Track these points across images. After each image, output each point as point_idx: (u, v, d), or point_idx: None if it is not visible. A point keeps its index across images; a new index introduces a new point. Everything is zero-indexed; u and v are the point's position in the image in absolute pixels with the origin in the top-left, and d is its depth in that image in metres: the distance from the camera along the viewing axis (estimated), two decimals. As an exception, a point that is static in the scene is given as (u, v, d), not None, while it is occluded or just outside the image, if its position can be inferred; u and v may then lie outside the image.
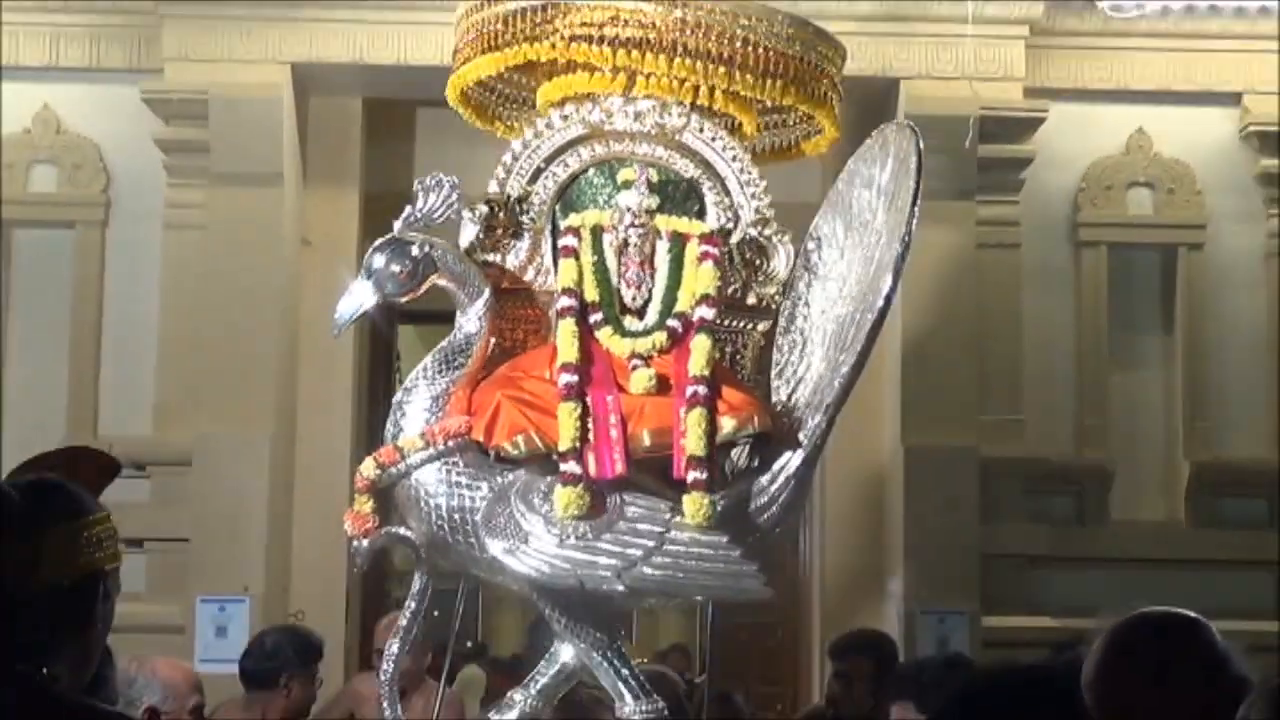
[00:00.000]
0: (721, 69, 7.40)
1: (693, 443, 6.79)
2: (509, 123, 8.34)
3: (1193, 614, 4.03)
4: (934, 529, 12.81)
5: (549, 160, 7.63)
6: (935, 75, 12.81)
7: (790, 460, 6.95)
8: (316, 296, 12.87)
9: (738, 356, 7.48)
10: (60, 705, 3.38)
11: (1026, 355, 13.36)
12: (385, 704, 7.25)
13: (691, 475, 6.75)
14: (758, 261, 7.48)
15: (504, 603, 18.45)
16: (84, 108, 13.50)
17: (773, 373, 7.43)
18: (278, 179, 13.11)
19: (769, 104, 7.91)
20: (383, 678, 7.28)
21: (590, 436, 6.91)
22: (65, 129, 13.50)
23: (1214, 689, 3.91)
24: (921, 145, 7.08)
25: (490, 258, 7.55)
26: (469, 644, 10.28)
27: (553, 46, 7.50)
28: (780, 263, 7.54)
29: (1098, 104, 13.61)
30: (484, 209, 7.56)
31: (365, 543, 7.12)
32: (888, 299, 6.77)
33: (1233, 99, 13.52)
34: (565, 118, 7.66)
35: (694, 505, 6.68)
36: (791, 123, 8.22)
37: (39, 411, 12.62)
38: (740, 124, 7.93)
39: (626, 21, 7.40)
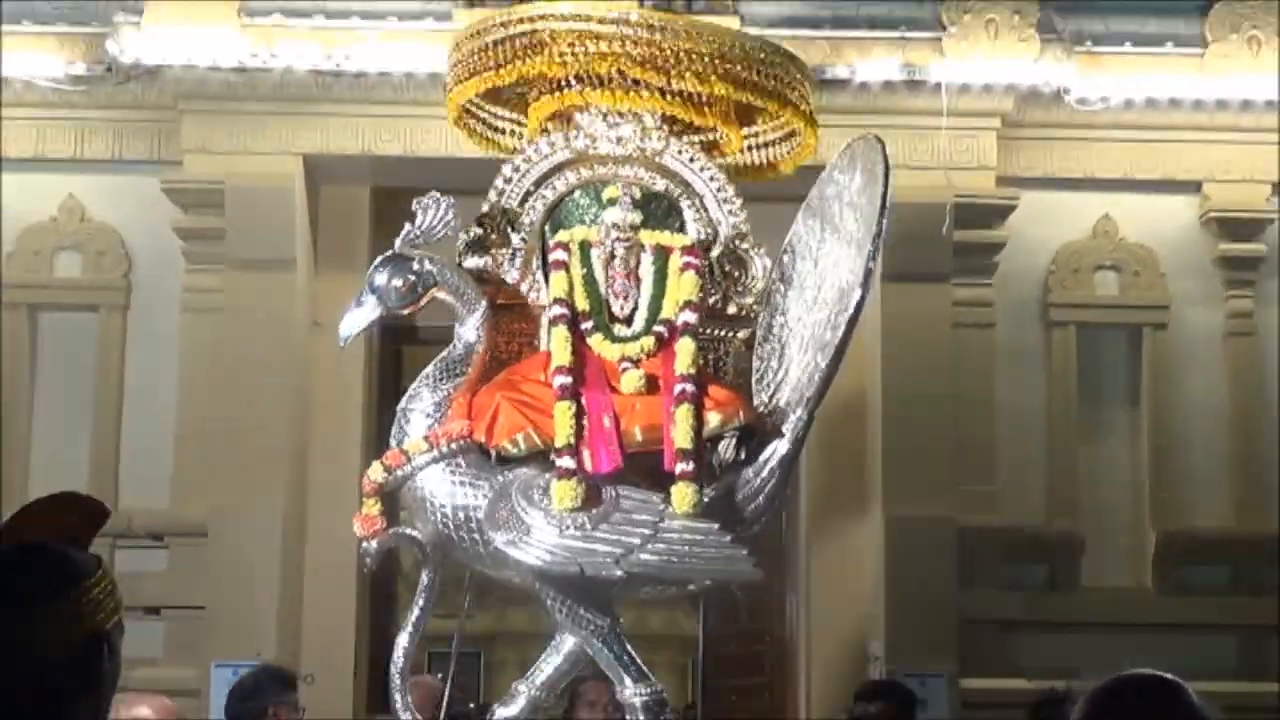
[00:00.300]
0: (699, 71, 7.51)
1: (681, 436, 6.89)
2: (505, 145, 8.45)
3: (1172, 676, 3.96)
4: (914, 594, 12.82)
5: (538, 183, 7.73)
6: (912, 165, 12.72)
7: (774, 452, 7.04)
8: (327, 376, 13.19)
9: (720, 363, 7.59)
10: None
11: (1000, 429, 13.40)
12: (395, 695, 7.26)
13: (680, 467, 6.85)
14: (736, 273, 7.62)
15: (507, 665, 18.46)
16: (107, 197, 13.56)
17: (753, 379, 7.52)
18: (290, 264, 13.19)
19: (750, 111, 7.98)
20: (393, 669, 7.29)
21: (585, 434, 7.01)
22: (89, 217, 13.57)
23: None
24: (888, 155, 7.17)
25: (484, 268, 7.60)
26: (471, 705, 10.29)
27: (541, 62, 7.61)
28: (757, 274, 7.67)
29: (1066, 192, 13.65)
30: (477, 229, 7.65)
31: (374, 543, 7.16)
32: (861, 299, 6.86)
33: (1193, 187, 13.62)
34: (552, 144, 7.77)
35: (681, 494, 6.79)
36: (773, 140, 8.30)
37: (63, 485, 12.39)
38: (719, 140, 8.07)
39: (610, 38, 7.52)
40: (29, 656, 3.17)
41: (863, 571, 13.37)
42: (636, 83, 7.66)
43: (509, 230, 7.61)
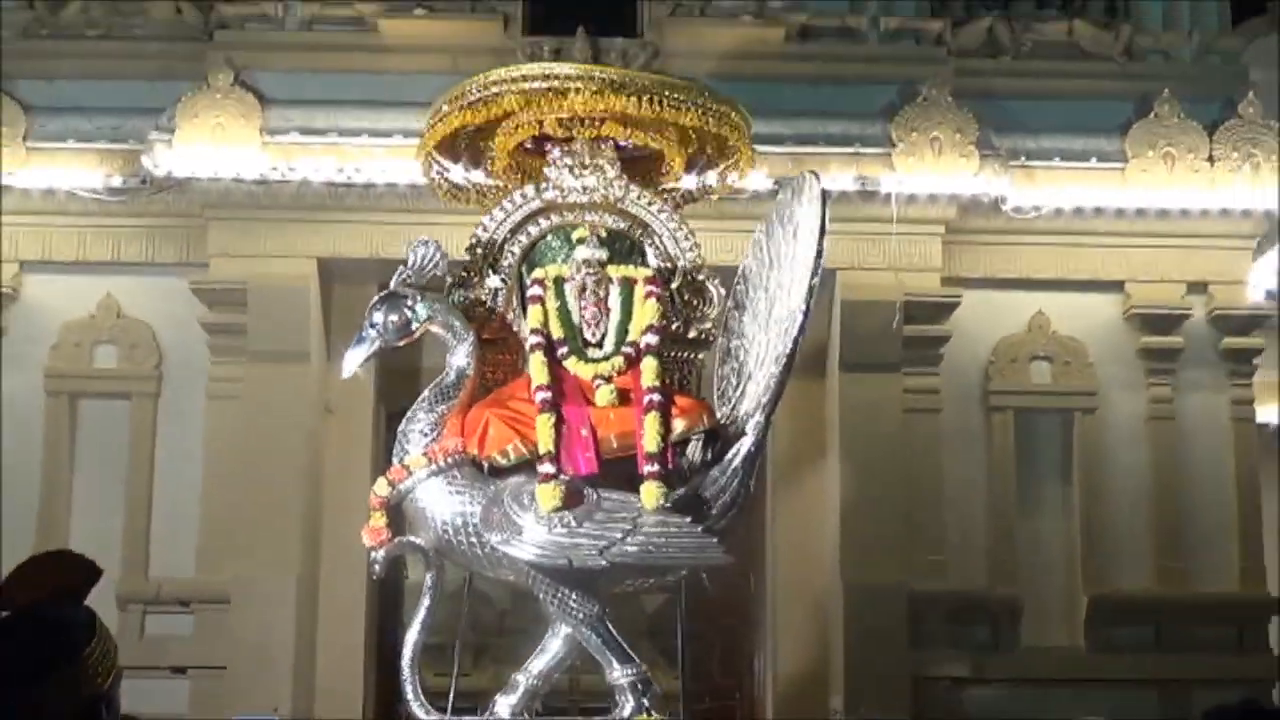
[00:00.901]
0: (648, 98, 7.87)
1: (649, 441, 7.22)
2: (476, 201, 8.74)
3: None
4: (870, 654, 12.79)
5: (514, 230, 8.07)
6: (866, 267, 12.97)
7: (738, 452, 7.36)
8: (338, 456, 13.26)
9: (684, 381, 7.93)
10: None
11: (947, 503, 13.40)
12: (405, 685, 7.43)
13: (647, 468, 7.18)
14: (695, 301, 7.98)
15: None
16: (141, 296, 13.59)
17: (715, 394, 7.81)
18: (305, 356, 13.20)
19: (692, 135, 8.34)
20: (404, 662, 7.47)
21: (566, 442, 7.29)
22: (124, 314, 13.60)
23: None
24: (824, 186, 7.49)
25: (469, 303, 7.94)
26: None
27: (499, 103, 7.94)
28: (713, 300, 8.00)
29: (1003, 290, 13.69)
30: (461, 272, 8.00)
31: (382, 552, 7.43)
32: (806, 311, 7.18)
33: (1117, 286, 13.71)
34: (525, 196, 8.14)
35: (648, 492, 7.14)
36: (716, 162, 8.60)
37: (97, 556, 12.39)
38: (670, 167, 8.44)
39: (568, 76, 7.95)
40: None
41: (824, 632, 13.31)
42: (600, 122, 8.03)
43: (489, 271, 7.96)
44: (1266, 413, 14.43)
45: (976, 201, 13.31)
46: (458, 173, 8.83)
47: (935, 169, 13.18)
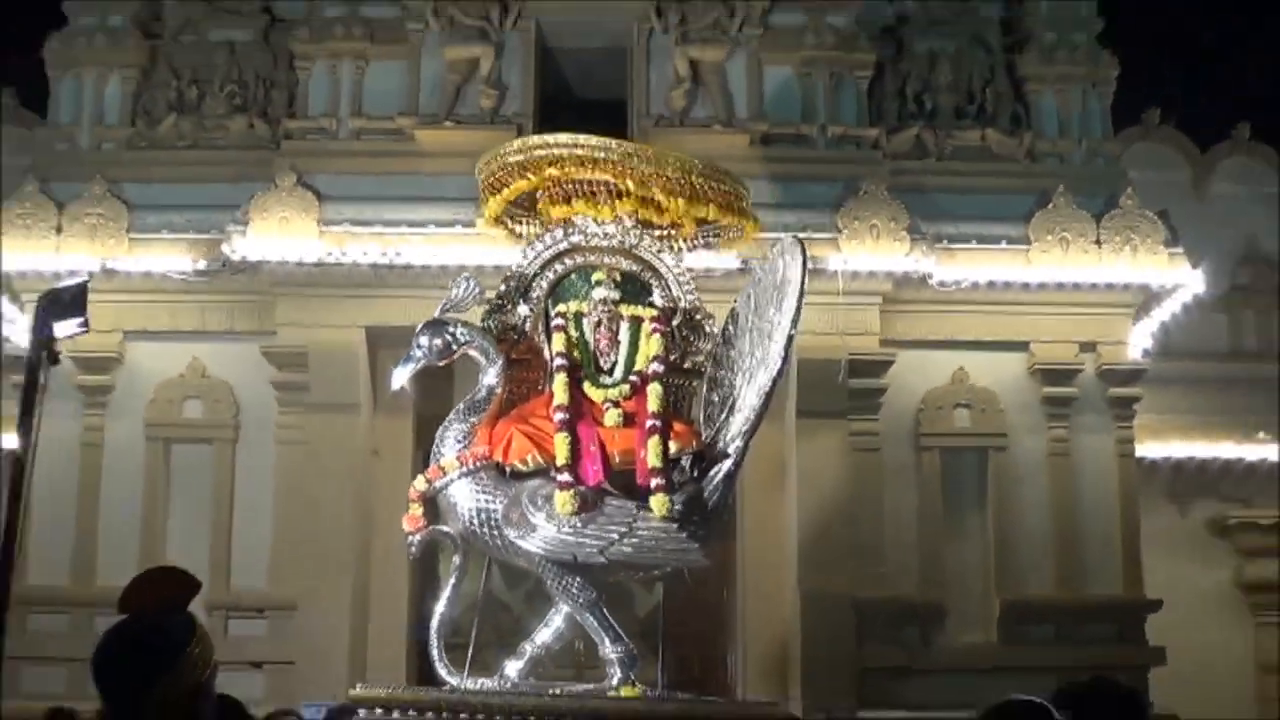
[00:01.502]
0: (667, 195, 7.96)
1: (653, 458, 7.33)
2: (526, 238, 8.66)
3: (1041, 700, 4.22)
4: (822, 650, 13.03)
5: (543, 267, 8.08)
6: (817, 331, 12.88)
7: (720, 471, 7.42)
8: (383, 491, 13.24)
9: (681, 404, 7.92)
10: None
11: (885, 526, 13.57)
12: (433, 651, 7.46)
13: (654, 481, 7.28)
14: (691, 337, 8.04)
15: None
16: (221, 359, 13.88)
17: (702, 418, 7.80)
18: (356, 408, 13.50)
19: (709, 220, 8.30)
20: (431, 631, 7.51)
21: (579, 455, 7.38)
22: (208, 374, 13.93)
23: None
24: (807, 251, 7.56)
25: (501, 329, 7.98)
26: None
27: (544, 178, 8.09)
28: (706, 339, 8.02)
29: (930, 350, 13.92)
30: (496, 300, 8.05)
31: (418, 537, 7.54)
32: (785, 356, 7.27)
33: (1023, 346, 13.95)
34: (554, 239, 8.13)
35: (658, 502, 7.23)
36: (723, 227, 8.53)
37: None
38: (680, 230, 8.36)
39: (598, 163, 7.97)
40: (152, 715, 3.36)
41: (785, 633, 13.45)
42: (620, 195, 8.02)
43: (520, 301, 8.02)
44: (1143, 449, 14.57)
45: (908, 277, 13.56)
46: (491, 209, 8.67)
47: (874, 251, 13.42)
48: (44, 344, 5.78)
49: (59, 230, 13.77)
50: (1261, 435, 15.77)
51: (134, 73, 14.73)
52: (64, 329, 5.78)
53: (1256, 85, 20.27)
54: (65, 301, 5.83)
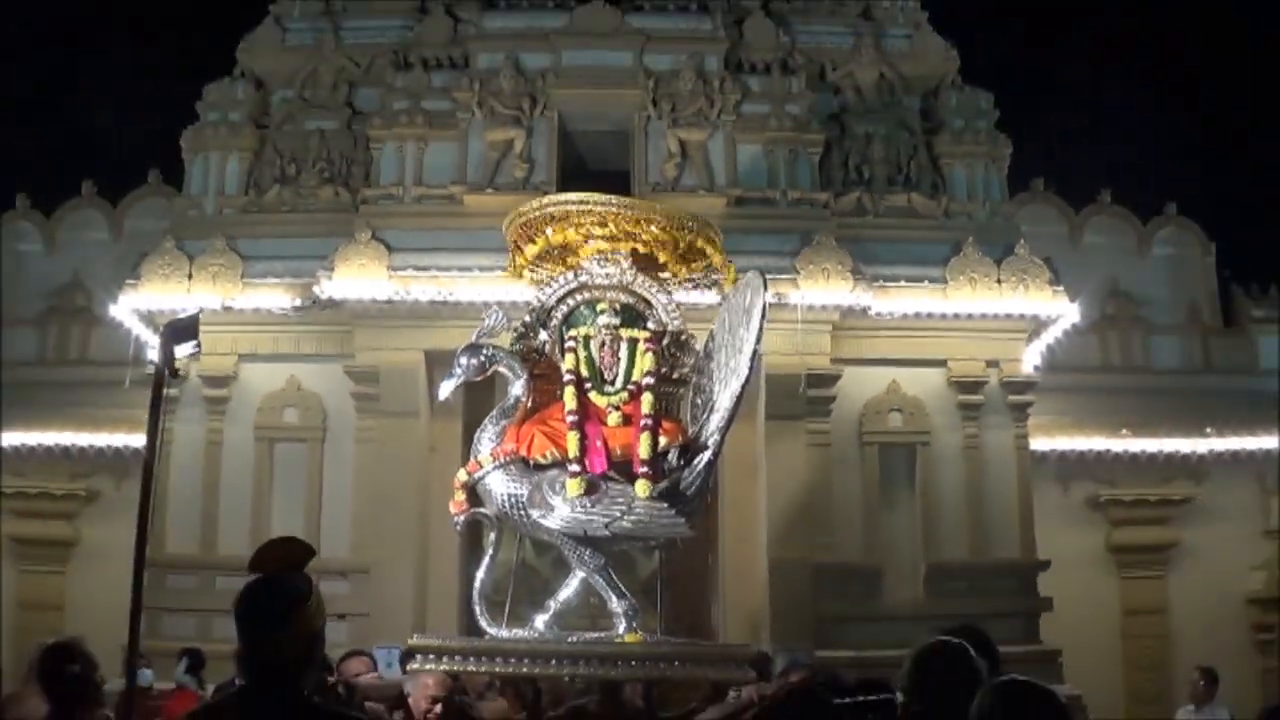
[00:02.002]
0: (658, 237, 7.67)
1: (644, 451, 7.12)
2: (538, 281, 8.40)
3: (959, 641, 4.23)
4: (787, 603, 12.86)
5: (557, 301, 7.82)
6: (781, 352, 13.03)
7: (702, 460, 7.18)
8: (439, 481, 12.48)
9: (670, 407, 7.70)
10: (321, 711, 3.55)
11: (835, 505, 13.40)
12: (476, 608, 7.22)
13: (642, 470, 7.07)
14: (678, 353, 7.78)
15: None
16: (313, 376, 13.76)
17: (688, 417, 7.62)
18: (416, 414, 13.33)
19: (688, 253, 7.96)
20: (475, 593, 7.28)
21: (586, 450, 7.18)
22: (303, 388, 13.79)
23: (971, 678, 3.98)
24: (766, 284, 7.33)
25: (525, 350, 7.70)
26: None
27: (563, 231, 7.78)
28: (690, 354, 7.80)
29: (870, 367, 13.71)
30: (521, 328, 7.82)
31: (461, 518, 7.35)
32: (750, 368, 7.03)
33: (942, 363, 13.79)
34: (566, 279, 7.87)
35: (642, 486, 7.03)
36: (706, 272, 8.20)
37: None
38: (675, 273, 8.03)
39: (604, 219, 7.67)
40: (279, 655, 3.43)
41: (757, 590, 13.26)
42: (618, 239, 7.75)
43: (540, 329, 7.79)
44: (1036, 443, 14.44)
45: (851, 309, 13.39)
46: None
47: (825, 288, 13.27)
48: (166, 363, 5.57)
49: (190, 277, 13.70)
50: (1124, 431, 15.69)
51: (248, 155, 14.71)
52: (182, 350, 5.56)
53: (1117, 157, 20.48)
54: (182, 329, 5.61)
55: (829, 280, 13.34)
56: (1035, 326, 14.01)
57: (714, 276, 8.38)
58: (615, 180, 13.16)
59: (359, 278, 13.23)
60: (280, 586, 3.51)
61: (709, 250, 8.05)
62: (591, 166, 14.63)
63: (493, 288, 12.50)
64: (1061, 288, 13.94)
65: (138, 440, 14.04)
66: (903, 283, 13.73)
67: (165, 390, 5.60)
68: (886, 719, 2.74)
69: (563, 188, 13.04)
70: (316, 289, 13.27)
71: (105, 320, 14.60)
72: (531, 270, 8.51)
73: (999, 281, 13.79)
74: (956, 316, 13.69)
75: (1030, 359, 14.19)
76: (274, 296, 13.56)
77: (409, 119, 14.19)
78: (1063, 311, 13.93)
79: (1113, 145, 21.08)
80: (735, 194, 13.99)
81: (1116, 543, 15.86)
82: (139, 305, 13.66)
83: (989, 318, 13.74)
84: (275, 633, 3.42)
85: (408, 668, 7.44)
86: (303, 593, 3.53)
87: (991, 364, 13.88)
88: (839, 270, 13.38)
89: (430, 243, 13.49)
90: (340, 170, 14.49)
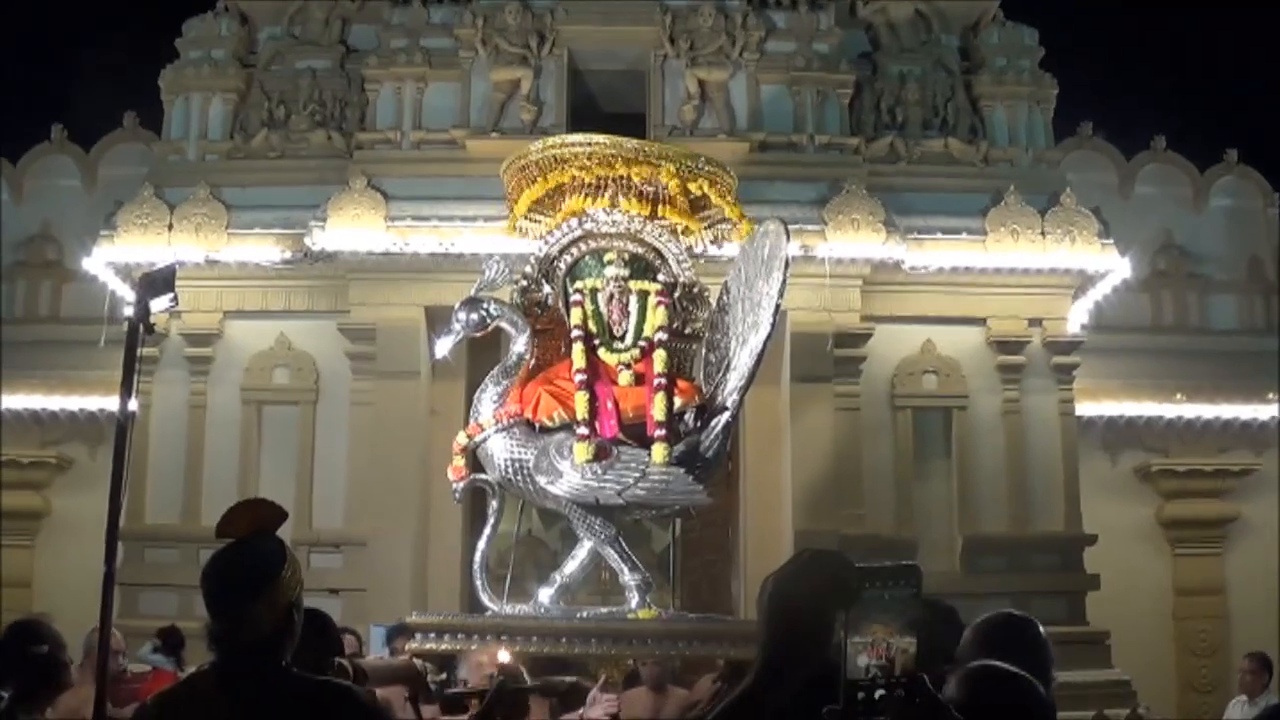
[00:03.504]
0: (670, 182, 7.78)
1: (658, 412, 7.22)
2: (539, 234, 8.52)
3: (1024, 614, 4.16)
4: None
5: (561, 251, 7.96)
6: (808, 309, 13.01)
7: (720, 422, 7.28)
8: (440, 446, 12.43)
9: (683, 365, 7.79)
10: (300, 679, 3.44)
11: (866, 473, 13.36)
12: (477, 582, 7.29)
13: (657, 433, 7.16)
14: (691, 307, 7.88)
15: None
16: (304, 334, 13.70)
17: (702, 376, 7.69)
18: (416, 375, 13.31)
19: (702, 209, 8.08)
20: (475, 566, 7.36)
21: (596, 412, 7.26)
22: (293, 347, 13.72)
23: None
24: (789, 234, 7.42)
25: (528, 304, 7.84)
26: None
27: (567, 174, 7.88)
28: (704, 308, 7.89)
29: (903, 325, 13.65)
30: (523, 281, 7.93)
31: (461, 485, 7.44)
32: (771, 324, 7.10)
33: (981, 321, 13.73)
34: (570, 227, 7.97)
35: (659, 451, 7.13)
36: (719, 224, 8.33)
37: None
38: (687, 226, 8.11)
39: (609, 160, 7.78)
40: (255, 629, 3.34)
41: (780, 563, 13.03)
42: (627, 184, 7.82)
43: (544, 281, 7.86)
44: (1081, 408, 14.37)
45: (884, 263, 13.31)
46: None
47: (855, 240, 13.18)
48: (141, 317, 5.56)
49: (170, 228, 13.59)
50: (1178, 396, 15.58)
51: (233, 96, 14.61)
52: (158, 305, 5.57)
53: (1171, 102, 20.13)
54: (158, 281, 5.62)
55: (859, 231, 13.28)
56: (1082, 282, 13.91)
57: (727, 226, 8.45)
58: (630, 124, 13.09)
59: (354, 228, 13.16)
60: (252, 554, 3.44)
61: (720, 198, 8.07)
62: (604, 109, 14.51)
63: (498, 239, 12.27)
64: (1111, 240, 13.84)
65: (114, 404, 13.89)
66: (939, 234, 13.64)
67: (140, 348, 5.58)
68: (915, 585, 2.71)
69: (573, 131, 13.02)
70: (308, 240, 13.18)
71: (78, 274, 14.56)
72: (532, 221, 8.55)
73: (1043, 233, 13.69)
74: (997, 271, 13.60)
75: (1076, 317, 14.11)
76: (262, 249, 13.45)
77: (407, 58, 14.09)
78: (1112, 266, 13.84)
79: (1168, 87, 20.73)
80: (758, 138, 13.91)
81: (1169, 517, 15.77)
82: (115, 258, 13.55)
83: (1032, 272, 13.63)
84: (249, 605, 3.36)
85: (405, 646, 7.46)
86: (276, 560, 3.45)
87: (1034, 322, 13.78)
88: (870, 221, 13.31)
89: (430, 191, 13.43)
90: (333, 113, 14.40)
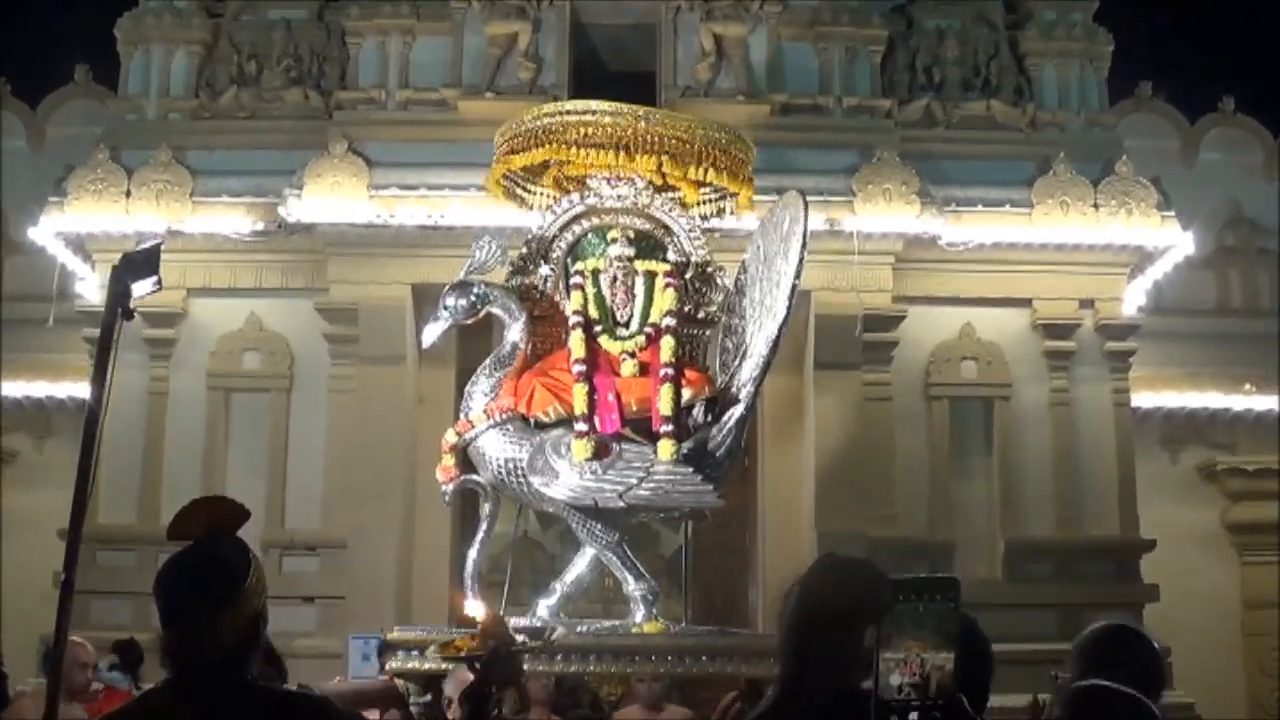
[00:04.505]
0: (673, 159, 7.73)
1: (664, 406, 7.19)
2: (529, 204, 8.59)
3: (1133, 624, 4.22)
4: None
5: (561, 228, 7.94)
6: (834, 289, 13.04)
7: (733, 415, 7.28)
8: (427, 437, 12.46)
9: (694, 353, 7.80)
10: (267, 692, 3.47)
11: (897, 471, 13.38)
12: (467, 592, 7.27)
13: (663, 428, 7.13)
14: (703, 289, 7.87)
15: None
16: (278, 314, 13.72)
17: (717, 363, 7.72)
18: (402, 360, 13.31)
19: (706, 181, 8.04)
20: (466, 573, 7.36)
21: (596, 405, 7.24)
22: (265, 328, 13.74)
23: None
24: (808, 204, 7.39)
25: (524, 288, 7.82)
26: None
27: (558, 150, 7.81)
28: (718, 290, 7.87)
29: (939, 306, 13.67)
30: (519, 261, 7.90)
31: (450, 487, 7.44)
32: (788, 307, 7.10)
33: (1026, 303, 13.74)
34: (571, 201, 7.98)
35: (664, 447, 7.11)
36: (721, 196, 8.34)
37: None
38: (684, 195, 8.14)
39: (609, 131, 7.71)
40: (215, 640, 3.27)
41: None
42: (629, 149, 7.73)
43: (541, 261, 7.85)
44: (1138, 399, 14.35)
45: (918, 238, 13.31)
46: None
47: (886, 213, 13.17)
48: (119, 302, 5.48)
49: (128, 195, 13.56)
50: (1247, 387, 15.52)
51: (198, 49, 14.57)
52: (140, 288, 5.50)
53: (1242, 60, 20.04)
54: (140, 262, 5.54)
55: (891, 203, 13.28)
56: (1139, 259, 13.92)
57: (736, 199, 8.42)
58: (639, 84, 13.20)
59: (333, 197, 13.16)
60: (213, 559, 3.37)
61: (732, 175, 8.02)
62: (611, 67, 14.54)
63: (493, 210, 12.20)
64: (1172, 213, 13.83)
65: (65, 390, 14.31)
66: (980, 207, 13.63)
67: (118, 338, 5.56)
68: (954, 598, 2.71)
69: (576, 92, 13.28)
70: (282, 210, 13.17)
71: (23, 246, 14.57)
72: (524, 190, 8.56)
73: (1096, 205, 13.67)
74: (1044, 247, 13.59)
75: (1133, 298, 14.13)
76: (231, 219, 13.44)
77: (393, 8, 14.07)
78: (1173, 241, 13.84)
79: (1237, 42, 20.56)
80: (780, 100, 13.91)
81: (1235, 520, 15.74)
82: (65, 228, 13.51)
83: (1083, 248, 13.62)
84: (210, 616, 3.30)
85: (388, 664, 7.40)
86: (240, 565, 3.39)
87: (1085, 304, 13.81)
88: (903, 192, 13.32)
89: (418, 157, 13.42)
90: (310, 69, 14.40)
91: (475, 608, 7.11)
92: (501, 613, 7.23)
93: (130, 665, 9.78)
